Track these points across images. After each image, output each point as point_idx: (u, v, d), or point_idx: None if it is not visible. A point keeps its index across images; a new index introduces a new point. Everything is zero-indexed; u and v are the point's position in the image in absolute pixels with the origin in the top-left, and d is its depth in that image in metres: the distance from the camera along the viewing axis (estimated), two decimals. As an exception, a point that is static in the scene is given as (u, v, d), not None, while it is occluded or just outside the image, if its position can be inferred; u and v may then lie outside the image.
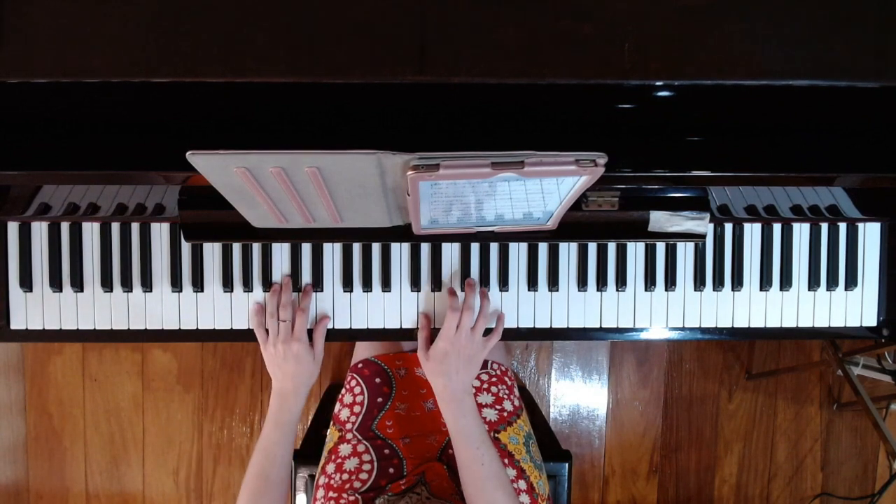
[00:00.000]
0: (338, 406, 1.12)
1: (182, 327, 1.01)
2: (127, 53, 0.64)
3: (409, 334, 1.01)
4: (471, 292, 0.98)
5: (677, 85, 0.71)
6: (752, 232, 1.02)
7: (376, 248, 1.00)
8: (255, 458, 0.94)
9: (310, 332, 0.99)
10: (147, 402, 1.88)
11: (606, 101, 0.77)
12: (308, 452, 1.21)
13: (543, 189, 0.75)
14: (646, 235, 0.91)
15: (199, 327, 1.01)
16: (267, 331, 0.98)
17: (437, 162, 0.66)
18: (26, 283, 0.98)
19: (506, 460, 1.00)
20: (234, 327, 1.01)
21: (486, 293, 1.00)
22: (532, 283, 1.01)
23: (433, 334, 0.99)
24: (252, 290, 1.00)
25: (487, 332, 0.99)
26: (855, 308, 1.04)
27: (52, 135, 0.75)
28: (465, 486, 0.89)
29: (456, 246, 1.01)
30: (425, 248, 1.01)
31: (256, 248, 1.00)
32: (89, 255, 0.99)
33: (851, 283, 1.03)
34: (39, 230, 0.98)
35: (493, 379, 1.11)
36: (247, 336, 1.00)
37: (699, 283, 1.02)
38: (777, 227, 1.02)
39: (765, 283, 1.02)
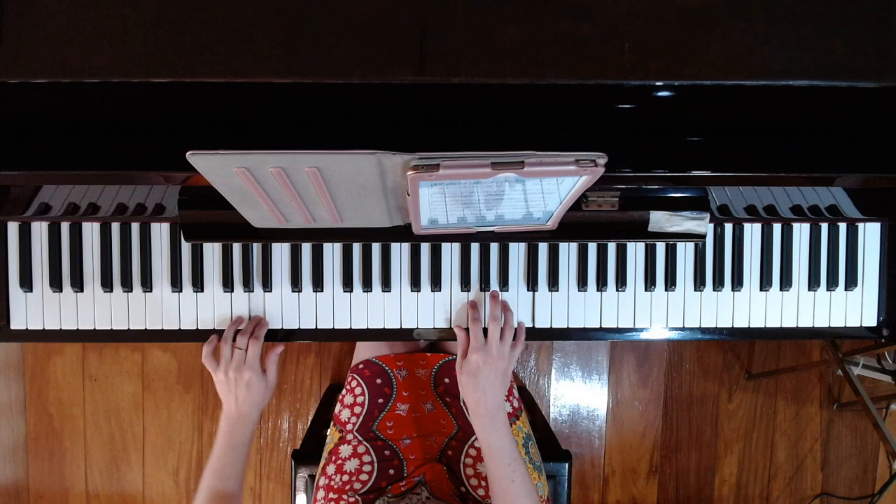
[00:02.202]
0: (338, 406, 1.12)
1: (182, 327, 1.01)
2: (127, 53, 0.64)
3: (409, 334, 1.01)
4: (495, 304, 0.96)
5: (677, 85, 0.71)
6: (752, 232, 1.02)
7: (376, 248, 1.00)
8: (207, 480, 0.92)
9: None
10: (147, 402, 1.88)
11: (606, 101, 0.77)
12: (308, 453, 1.21)
13: (543, 189, 0.75)
14: (646, 235, 0.91)
15: (199, 327, 1.01)
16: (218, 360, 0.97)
17: (437, 162, 0.66)
18: (26, 283, 0.98)
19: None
20: (234, 327, 1.00)
21: (508, 305, 0.99)
22: (532, 284, 1.01)
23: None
24: (252, 290, 1.00)
25: None
26: (855, 308, 1.04)
27: (52, 135, 0.75)
28: (494, 499, 0.89)
29: (456, 246, 1.01)
30: (425, 248, 1.00)
31: (256, 248, 1.00)
32: (89, 255, 0.99)
33: (851, 283, 1.03)
34: (39, 230, 0.98)
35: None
36: (247, 336, 1.00)
37: (699, 283, 1.02)
38: (777, 227, 1.02)
39: (765, 283, 1.02)
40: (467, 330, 0.95)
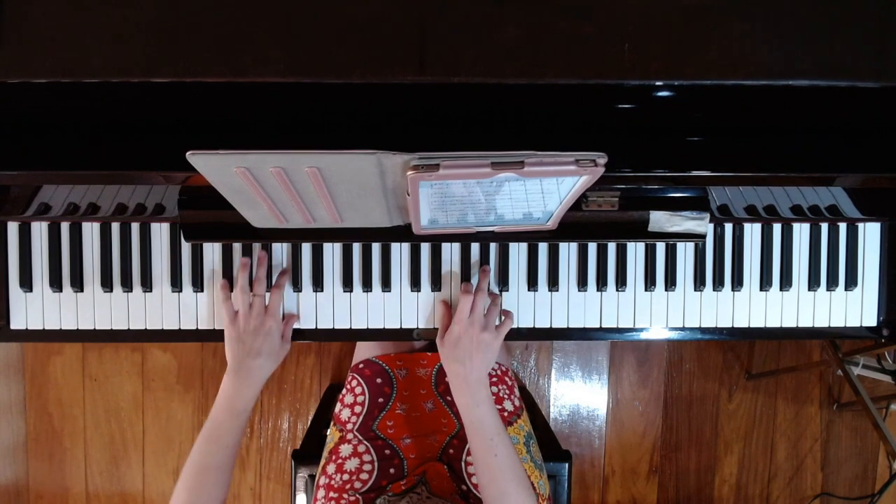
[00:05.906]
0: (338, 406, 1.12)
1: (182, 327, 1.01)
2: (127, 53, 0.64)
3: (409, 334, 1.01)
4: (484, 278, 0.97)
5: (677, 85, 0.71)
6: (752, 232, 1.02)
7: (376, 248, 1.00)
8: (201, 447, 0.86)
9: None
10: (147, 402, 1.88)
11: (607, 101, 0.77)
12: (308, 452, 1.21)
13: (543, 189, 0.75)
14: (646, 235, 0.91)
15: (199, 327, 1.01)
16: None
17: (437, 162, 0.66)
18: (26, 283, 0.98)
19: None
20: (234, 327, 1.00)
21: (495, 293, 1.00)
22: (532, 283, 1.01)
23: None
24: (253, 290, 1.00)
25: None
26: (855, 308, 1.04)
27: (52, 135, 0.75)
28: (478, 475, 0.88)
29: (456, 246, 1.01)
30: (425, 248, 1.00)
31: (256, 248, 1.00)
32: (89, 255, 0.99)
33: (851, 283, 1.03)
34: (39, 230, 0.98)
35: (494, 379, 1.11)
36: (247, 336, 0.99)
37: (699, 283, 1.02)
38: (777, 227, 1.02)
39: (765, 283, 1.02)
40: (447, 305, 0.98)
